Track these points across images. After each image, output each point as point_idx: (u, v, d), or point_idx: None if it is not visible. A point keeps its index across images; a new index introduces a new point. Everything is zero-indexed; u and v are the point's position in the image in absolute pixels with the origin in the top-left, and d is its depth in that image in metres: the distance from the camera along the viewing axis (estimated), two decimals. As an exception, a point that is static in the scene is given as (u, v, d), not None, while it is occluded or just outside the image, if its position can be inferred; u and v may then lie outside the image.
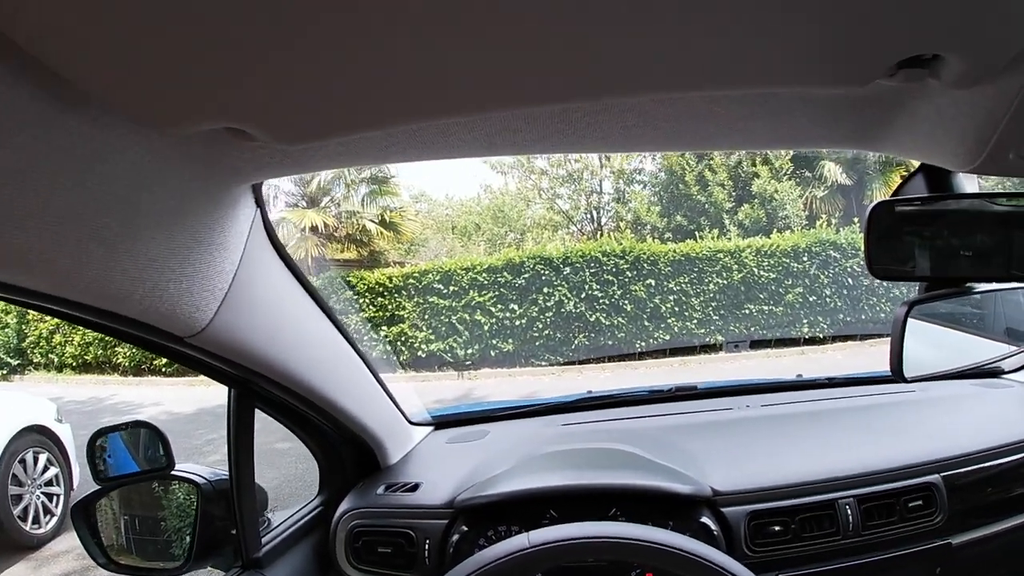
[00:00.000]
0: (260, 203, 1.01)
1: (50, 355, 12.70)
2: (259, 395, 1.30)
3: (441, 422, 1.97)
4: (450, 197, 21.07)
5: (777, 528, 1.39)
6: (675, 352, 11.10)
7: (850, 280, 11.61)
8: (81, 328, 11.43)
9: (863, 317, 11.49)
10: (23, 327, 12.73)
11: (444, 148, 0.87)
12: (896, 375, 1.07)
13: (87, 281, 0.72)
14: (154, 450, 1.32)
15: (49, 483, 4.89)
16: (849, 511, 1.41)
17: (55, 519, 4.85)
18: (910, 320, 1.03)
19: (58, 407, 5.29)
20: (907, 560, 1.44)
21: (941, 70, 0.63)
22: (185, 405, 8.65)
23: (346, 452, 1.63)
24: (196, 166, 0.80)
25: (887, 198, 0.99)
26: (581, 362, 11.04)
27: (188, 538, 1.32)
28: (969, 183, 0.98)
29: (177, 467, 1.33)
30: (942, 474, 1.49)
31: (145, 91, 0.59)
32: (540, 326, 11.21)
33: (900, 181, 0.98)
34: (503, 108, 0.71)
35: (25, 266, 0.65)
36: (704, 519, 1.38)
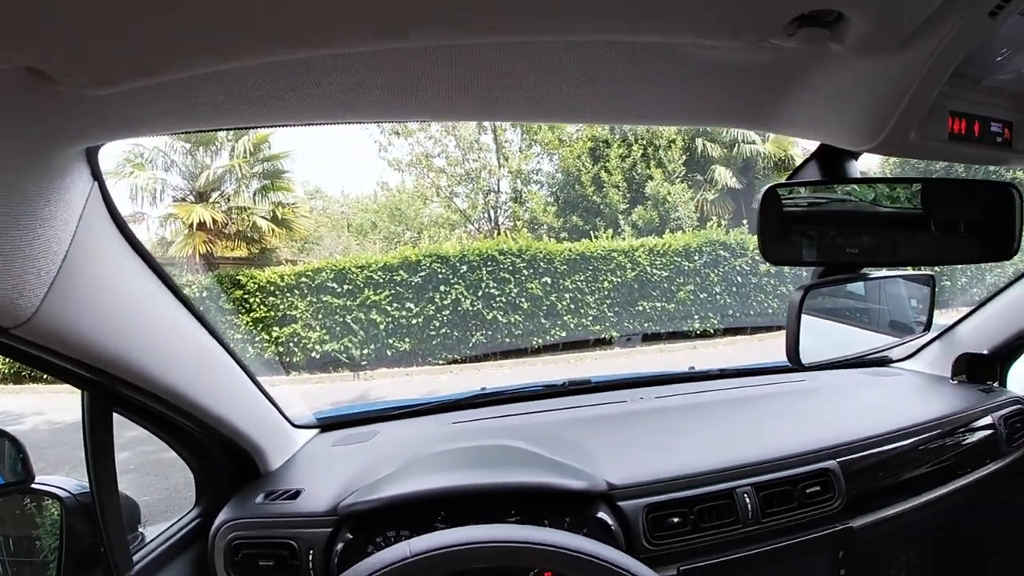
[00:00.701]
0: (97, 175, 0.88)
1: (-79, 363, 11.45)
2: (116, 397, 1.17)
3: (327, 424, 1.88)
4: (346, 194, 20.88)
5: (676, 520, 1.37)
6: (570, 347, 11.26)
7: (739, 278, 12.16)
8: None
9: (752, 313, 12.07)
10: None
11: (299, 106, 0.77)
12: (792, 361, 1.06)
13: None
14: (15, 461, 1.16)
15: None
16: (747, 499, 1.41)
17: None
18: (805, 306, 1.03)
19: None
20: (809, 545, 1.44)
21: (844, 33, 0.59)
22: (68, 414, 7.93)
23: (221, 459, 1.50)
24: (4, 125, 0.67)
25: (780, 181, 0.96)
26: (479, 360, 11.02)
27: (57, 558, 1.19)
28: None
29: (39, 479, 1.18)
30: (838, 460, 1.51)
31: None
32: (437, 324, 11.10)
33: (762, 190, 0.96)
34: (354, 40, 0.60)
35: None
36: (601, 514, 1.34)
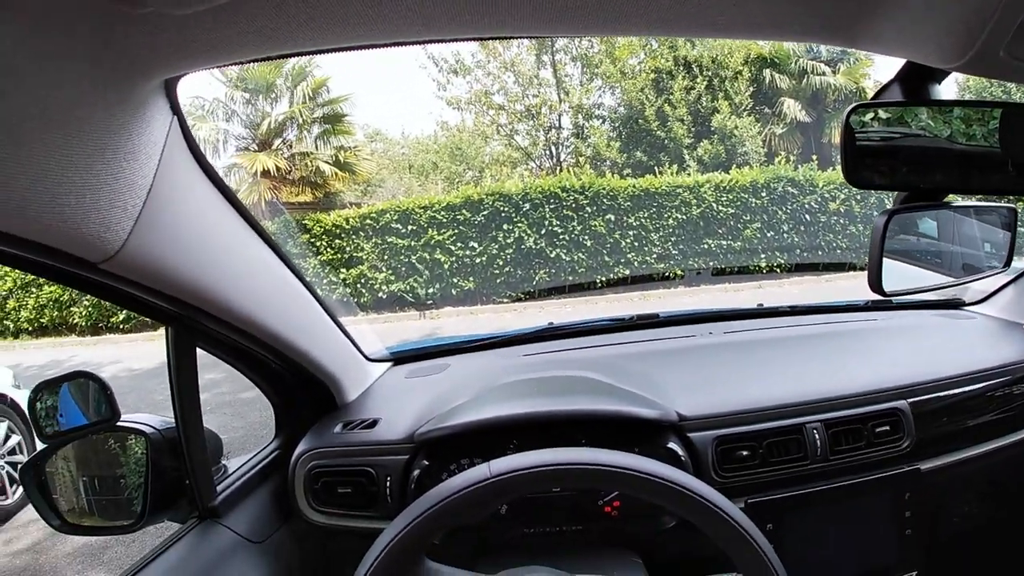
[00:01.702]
0: (176, 108, 0.88)
1: (5, 322, 12.27)
2: (199, 332, 1.18)
3: (400, 357, 1.89)
4: (406, 135, 20.94)
5: (745, 453, 1.36)
6: (634, 284, 11.20)
7: (807, 216, 11.80)
8: (36, 291, 11.32)
9: (819, 252, 11.71)
10: (-25, 296, 12.23)
11: (366, 26, 0.74)
12: (875, 288, 1.02)
13: None
14: (99, 402, 1.20)
15: (12, 452, 4.68)
16: (816, 435, 1.39)
17: (22, 489, 4.59)
18: (888, 232, 1.00)
19: (15, 373, 5.06)
20: (876, 485, 1.42)
21: None
22: (145, 361, 8.44)
23: (300, 392, 1.53)
24: (83, 55, 0.67)
25: (865, 101, 0.92)
26: (542, 297, 11.08)
27: (143, 492, 1.22)
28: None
29: (124, 417, 1.21)
30: (908, 400, 1.47)
31: None
32: (500, 263, 11.18)
33: (846, 110, 0.93)
34: None
35: None
36: (671, 444, 1.33)
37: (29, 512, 4.47)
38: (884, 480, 1.43)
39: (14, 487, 4.61)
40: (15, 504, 4.57)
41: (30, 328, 12.21)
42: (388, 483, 1.37)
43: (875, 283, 1.02)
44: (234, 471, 1.41)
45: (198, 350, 1.22)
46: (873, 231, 1.01)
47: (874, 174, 0.95)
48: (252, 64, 9.97)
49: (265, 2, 0.67)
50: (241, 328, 1.18)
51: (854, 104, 0.92)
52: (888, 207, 1.01)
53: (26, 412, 4.83)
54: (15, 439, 4.74)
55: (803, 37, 0.84)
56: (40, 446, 1.23)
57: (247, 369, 1.42)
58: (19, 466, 4.67)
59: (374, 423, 1.48)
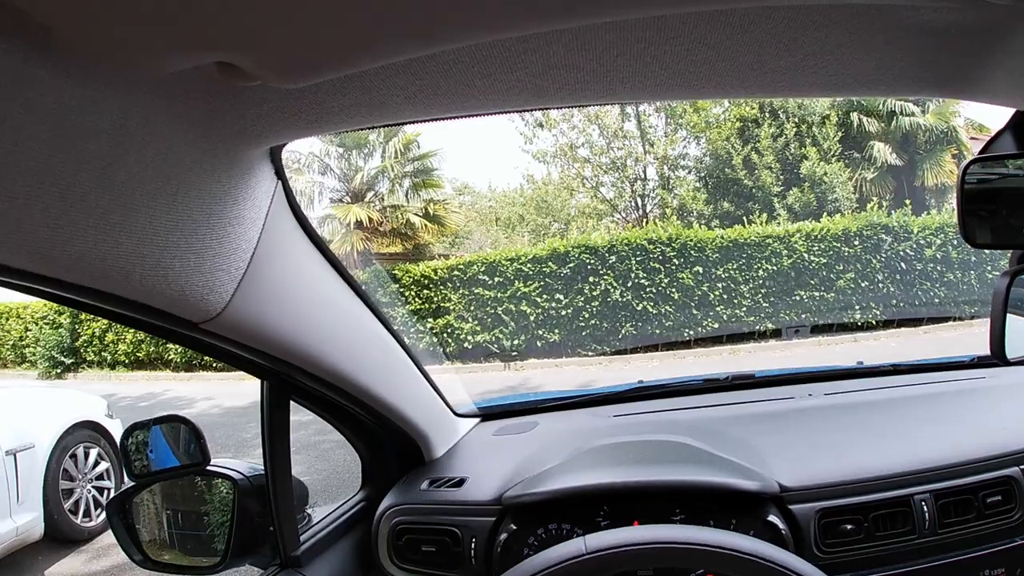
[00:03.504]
0: (281, 174, 0.92)
1: (103, 353, 13.13)
2: (294, 386, 1.24)
3: (488, 414, 1.90)
4: (493, 188, 21.23)
5: (849, 527, 1.30)
6: (726, 340, 10.92)
7: (903, 264, 11.24)
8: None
9: (916, 303, 11.13)
10: (76, 326, 13.16)
11: (489, 93, 0.77)
12: (997, 356, 0.99)
13: (72, 257, 0.63)
14: (190, 445, 1.27)
15: (100, 477, 4.99)
16: (925, 507, 1.31)
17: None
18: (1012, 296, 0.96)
19: (108, 403, 5.38)
20: (987, 560, 1.34)
21: None
22: (237, 399, 8.74)
23: (389, 445, 1.56)
24: (194, 123, 0.70)
25: (978, 156, 0.90)
26: (629, 351, 10.93)
27: (227, 534, 1.27)
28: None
29: (214, 462, 1.27)
30: (1022, 467, 1.38)
31: (112, 23, 0.51)
32: (586, 315, 11.14)
33: (953, 159, 0.89)
34: (549, 21, 0.59)
35: None
36: (771, 517, 1.28)
37: (111, 535, 4.77)
38: (996, 555, 1.33)
39: (98, 510, 4.90)
40: (98, 526, 4.86)
41: (126, 361, 12.93)
42: (473, 545, 1.36)
43: (997, 350, 0.98)
44: (318, 520, 1.43)
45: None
46: (994, 295, 0.97)
47: (991, 232, 0.92)
48: None
49: (374, 76, 0.68)
50: (334, 384, 1.21)
51: (969, 160, 0.89)
52: (999, 255, 0.96)
53: (115, 441, 5.07)
54: (104, 465, 5.05)
55: (914, 91, 0.84)
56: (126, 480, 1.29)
57: (337, 421, 1.46)
58: (104, 491, 5.00)
59: (461, 482, 1.48)
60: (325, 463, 5.53)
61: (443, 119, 0.86)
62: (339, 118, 0.79)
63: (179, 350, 12.30)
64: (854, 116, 15.20)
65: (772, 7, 0.64)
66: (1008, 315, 1.01)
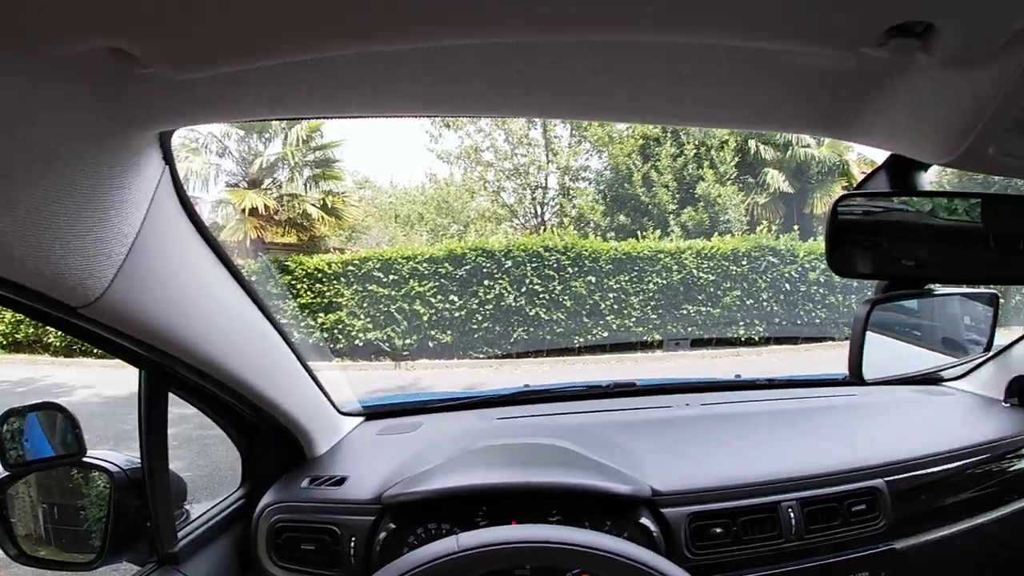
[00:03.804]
0: (169, 159, 0.89)
1: (-22, 335, 12.05)
2: (173, 378, 1.19)
3: (372, 413, 1.89)
4: (394, 185, 21.09)
5: (719, 530, 1.36)
6: (614, 349, 11.21)
7: (787, 286, 11.89)
8: None
9: (799, 322, 11.79)
10: (-49, 307, 11.97)
11: (387, 97, 0.76)
12: (855, 376, 1.04)
13: None
14: (66, 435, 1.21)
15: None
16: (792, 514, 1.38)
17: None
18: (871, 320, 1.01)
19: None
20: (852, 565, 1.42)
21: (933, 44, 0.58)
22: (117, 388, 8.11)
23: (269, 442, 1.52)
24: (82, 106, 0.68)
25: (851, 191, 0.95)
26: (519, 356, 11.03)
27: (104, 530, 1.22)
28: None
29: (90, 453, 1.21)
30: (886, 479, 1.48)
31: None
32: (479, 318, 11.16)
33: (842, 191, 0.93)
34: (464, 32, 0.60)
35: None
36: (644, 520, 1.33)
37: None
38: (860, 560, 1.42)
39: None
40: None
41: (3, 342, 12.04)
42: (352, 543, 1.35)
43: (856, 371, 1.03)
44: (197, 517, 1.39)
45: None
46: (855, 320, 1.02)
47: (858, 263, 0.97)
48: None
49: (268, 71, 0.67)
50: (214, 377, 1.18)
51: (841, 194, 0.93)
52: (869, 288, 1.02)
53: None
54: None
55: (798, 128, 0.88)
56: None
57: (217, 416, 1.42)
58: None
59: (342, 480, 1.46)
60: (207, 459, 5.35)
61: (340, 117, 0.85)
62: (233, 108, 0.78)
63: (59, 333, 11.38)
64: (752, 143, 15.97)
65: (657, 42, 0.66)
66: (873, 335, 1.07)
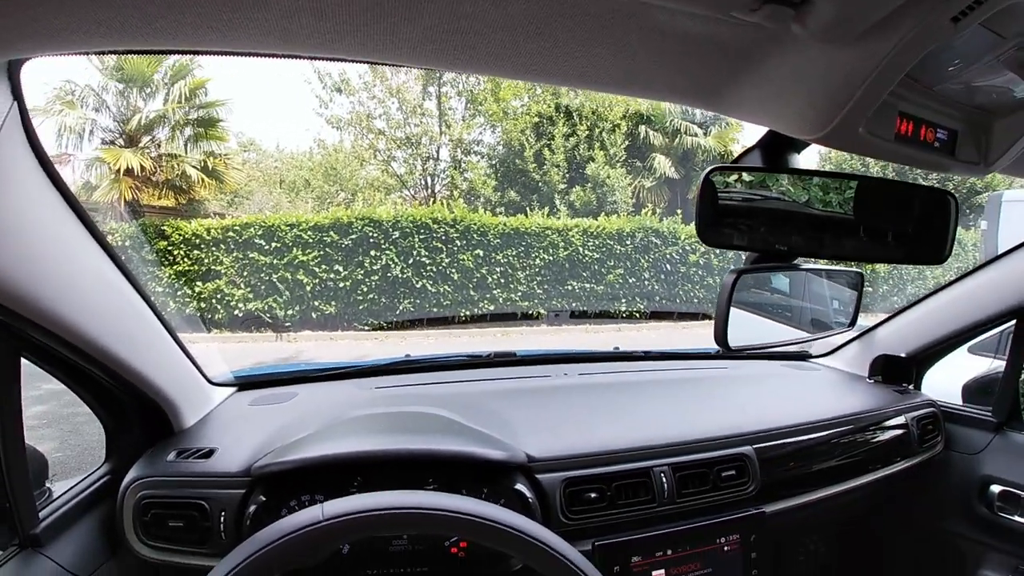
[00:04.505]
0: (18, 94, 0.81)
1: None
2: (24, 341, 1.09)
3: (245, 383, 1.81)
4: (281, 149, 20.35)
5: (593, 495, 1.38)
6: (497, 320, 11.35)
7: (668, 266, 12.45)
8: None
9: (678, 300, 12.39)
10: None
11: (232, 34, 0.71)
12: (720, 343, 1.07)
13: None
14: None
15: None
16: (664, 479, 1.42)
17: None
18: (736, 291, 1.04)
19: None
20: (723, 527, 1.47)
21: (807, 15, 0.58)
22: None
23: (134, 414, 1.43)
24: None
25: (722, 164, 0.97)
26: (405, 327, 10.99)
27: None
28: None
29: None
30: (754, 446, 1.54)
31: None
32: (365, 289, 11.00)
33: (706, 170, 0.95)
34: None
35: None
36: (519, 486, 1.34)
37: None
38: (730, 522, 1.48)
39: None
40: None
41: None
42: (222, 518, 1.29)
43: (720, 338, 1.07)
44: (59, 495, 1.31)
45: (24, 361, 1.14)
46: (721, 288, 1.05)
47: (730, 234, 0.99)
48: (128, 56, 9.30)
49: None
50: (69, 341, 1.10)
51: (714, 166, 0.95)
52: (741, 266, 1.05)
53: None
54: None
55: (670, 96, 0.87)
56: None
57: (77, 385, 1.33)
58: None
59: (210, 453, 1.40)
60: (79, 438, 4.98)
61: (193, 53, 0.78)
62: (80, 36, 0.70)
63: None
64: (642, 128, 16.45)
65: None
66: (745, 313, 1.12)
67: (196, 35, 0.72)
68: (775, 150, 0.94)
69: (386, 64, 0.83)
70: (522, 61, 0.76)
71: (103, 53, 0.88)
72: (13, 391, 1.13)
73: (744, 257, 1.07)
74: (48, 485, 1.32)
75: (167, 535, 1.31)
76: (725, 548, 1.50)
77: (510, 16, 0.67)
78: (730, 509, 1.50)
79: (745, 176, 0.99)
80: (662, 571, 1.43)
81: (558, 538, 0.98)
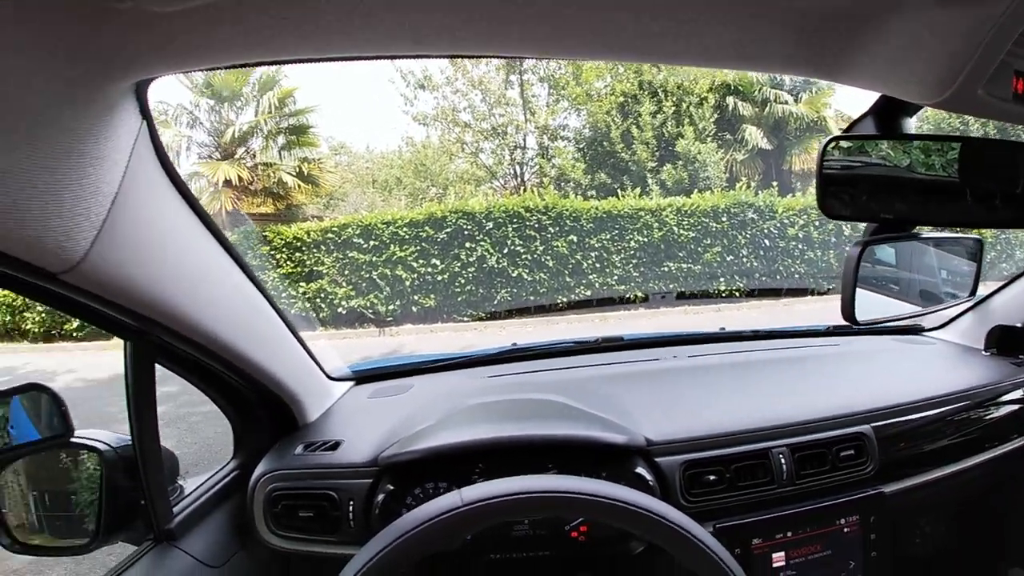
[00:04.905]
0: (146, 113, 0.84)
1: (-48, 324, 11.82)
2: (160, 348, 1.15)
3: (362, 376, 1.87)
4: (371, 149, 20.98)
5: (712, 477, 1.37)
6: (598, 305, 11.25)
7: (766, 241, 11.98)
8: None
9: (778, 277, 11.93)
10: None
11: (362, 38, 0.72)
12: (848, 318, 1.05)
13: None
14: (52, 416, 1.15)
15: None
16: (783, 460, 1.40)
17: None
18: (862, 264, 1.02)
19: None
20: (842, 508, 1.44)
21: None
22: (100, 371, 8.15)
23: (261, 411, 1.49)
24: (54, 54, 0.63)
25: (840, 134, 0.96)
26: (504, 316, 11.09)
27: (97, 512, 1.17)
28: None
29: (78, 433, 1.17)
30: (872, 424, 1.50)
31: None
32: (462, 281, 11.16)
33: (823, 142, 0.94)
34: None
35: None
36: (639, 469, 1.33)
37: None
38: (849, 503, 1.44)
39: None
40: None
41: None
42: (351, 507, 1.33)
43: (848, 313, 1.05)
44: (191, 492, 1.37)
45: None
46: (846, 261, 1.03)
47: (845, 205, 0.97)
48: (221, 71, 9.83)
49: (250, 5, 0.64)
50: (202, 344, 1.14)
51: (831, 136, 0.94)
52: (855, 237, 1.03)
53: None
54: None
55: (785, 69, 0.86)
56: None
57: (206, 386, 1.39)
58: None
59: (336, 445, 1.45)
60: (195, 436, 5.32)
61: (323, 60, 0.81)
62: (210, 51, 0.74)
63: (37, 319, 11.39)
64: (730, 100, 15.94)
65: None
66: (862, 291, 1.07)
67: (325, 42, 0.73)
68: (888, 116, 0.92)
69: (517, 57, 0.80)
70: (646, 43, 0.77)
71: (232, 67, 0.87)
72: (150, 396, 1.18)
73: (862, 229, 1.04)
74: (180, 482, 1.37)
75: (298, 525, 1.35)
76: (845, 529, 1.45)
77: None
78: (849, 490, 1.45)
79: (861, 145, 0.97)
80: (782, 553, 1.40)
81: (686, 517, 0.96)
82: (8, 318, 11.64)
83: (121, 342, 1.13)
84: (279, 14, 0.67)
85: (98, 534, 1.17)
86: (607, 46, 0.78)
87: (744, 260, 11.89)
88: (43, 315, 11.21)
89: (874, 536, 1.46)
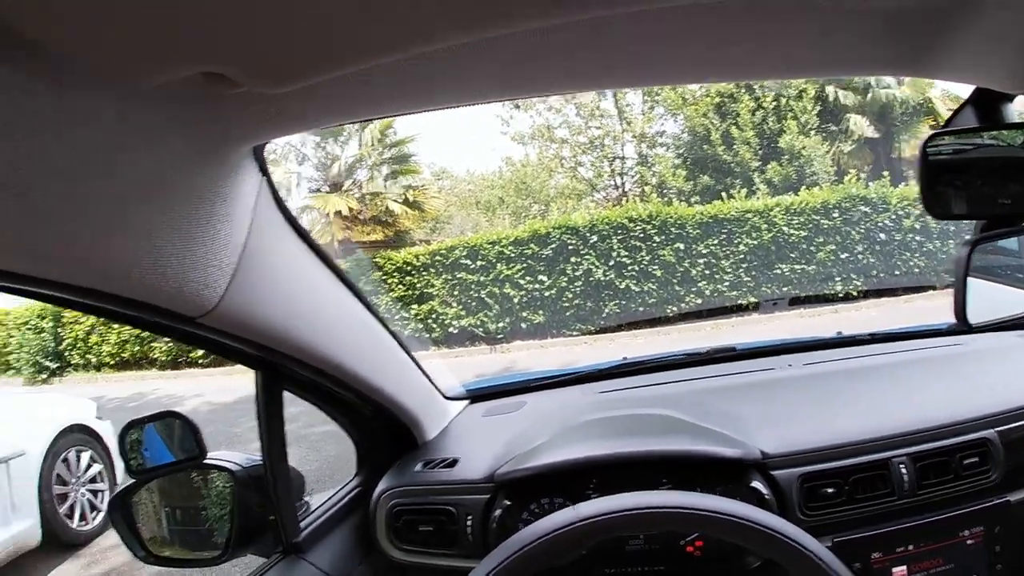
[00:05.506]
0: (264, 169, 0.95)
1: (87, 355, 13.00)
2: (287, 376, 1.26)
3: (476, 395, 1.91)
4: (471, 172, 21.06)
5: (830, 490, 1.32)
6: (709, 315, 10.96)
7: (882, 235, 11.28)
8: (116, 326, 11.97)
9: (897, 273, 11.22)
10: (59, 330, 13.02)
11: (454, 89, 0.80)
12: (960, 321, 1.04)
13: (75, 260, 0.68)
14: (186, 440, 1.28)
15: (93, 480, 4.99)
16: (904, 470, 1.34)
17: (101, 515, 4.93)
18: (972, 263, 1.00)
19: (98, 405, 5.37)
20: (965, 520, 1.36)
21: None
22: (226, 394, 8.72)
23: (381, 430, 1.58)
24: (183, 129, 0.73)
25: (939, 130, 0.94)
26: (613, 330, 10.99)
27: (228, 526, 1.30)
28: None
29: (210, 455, 1.29)
30: (996, 429, 1.40)
31: (105, 39, 0.53)
32: (570, 296, 11.20)
33: (930, 130, 0.93)
34: (516, 21, 0.60)
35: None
36: (755, 483, 1.31)
37: (110, 537, 4.70)
38: (973, 514, 1.36)
39: (94, 513, 4.93)
40: (95, 529, 4.89)
41: (112, 362, 12.84)
42: (469, 522, 1.38)
43: (961, 315, 1.03)
44: (317, 507, 1.46)
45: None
46: (956, 263, 1.01)
47: (953, 203, 0.95)
48: None
49: (353, 76, 0.68)
50: (326, 371, 1.24)
51: (930, 134, 0.92)
52: (966, 232, 1.00)
53: (108, 443, 5.04)
54: (97, 468, 5.06)
55: (879, 70, 0.88)
56: (120, 476, 1.33)
57: (331, 409, 1.48)
58: (99, 493, 5.03)
59: (454, 462, 1.50)
60: (317, 454, 5.56)
61: (423, 111, 0.89)
62: (320, 116, 0.83)
63: (164, 348, 12.26)
64: (830, 89, 15.22)
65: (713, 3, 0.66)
66: (974, 280, 1.05)
67: (425, 98, 0.78)
68: (987, 105, 0.88)
69: (610, 90, 0.86)
70: (730, 65, 0.79)
71: (340, 124, 0.97)
72: (279, 420, 1.28)
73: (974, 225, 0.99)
74: (306, 499, 1.46)
75: (418, 539, 1.42)
76: (968, 541, 1.35)
77: (715, 29, 0.69)
78: (972, 499, 1.36)
79: (959, 139, 0.93)
80: (904, 567, 1.32)
81: (804, 532, 0.94)
82: (137, 348, 12.58)
83: (245, 369, 1.23)
84: (383, 79, 0.73)
85: (228, 547, 1.27)
86: (696, 74, 0.82)
87: (860, 257, 11.25)
88: (170, 345, 11.94)
89: (999, 548, 1.38)
